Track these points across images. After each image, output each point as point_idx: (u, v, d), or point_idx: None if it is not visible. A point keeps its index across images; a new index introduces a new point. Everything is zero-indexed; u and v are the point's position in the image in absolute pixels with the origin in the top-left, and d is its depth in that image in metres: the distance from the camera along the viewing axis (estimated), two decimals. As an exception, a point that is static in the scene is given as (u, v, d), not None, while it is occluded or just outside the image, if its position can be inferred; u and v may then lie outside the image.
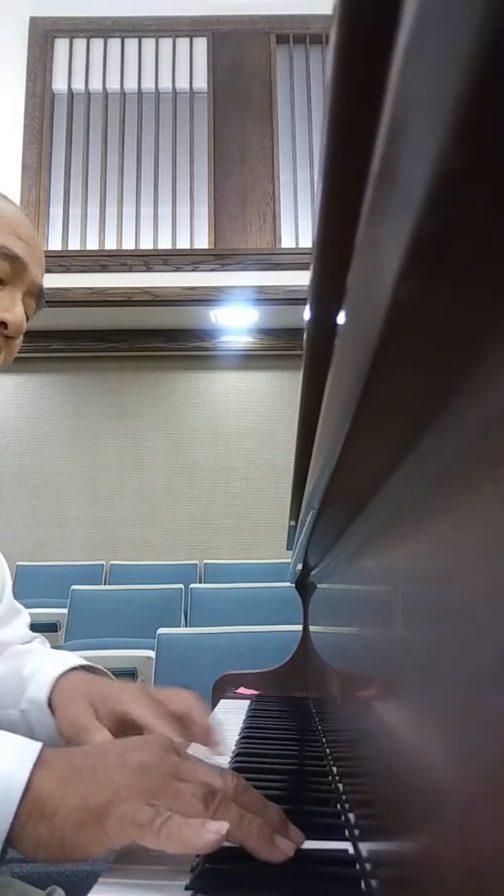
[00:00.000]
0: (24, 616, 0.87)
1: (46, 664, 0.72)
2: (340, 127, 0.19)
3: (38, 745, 0.46)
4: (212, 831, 0.40)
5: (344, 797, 0.59)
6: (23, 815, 0.42)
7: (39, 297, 0.76)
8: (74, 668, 0.72)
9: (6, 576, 0.86)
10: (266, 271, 4.00)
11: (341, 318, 0.25)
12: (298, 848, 0.44)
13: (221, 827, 0.40)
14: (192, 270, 4.01)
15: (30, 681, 0.71)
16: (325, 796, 0.62)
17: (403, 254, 0.16)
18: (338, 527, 0.62)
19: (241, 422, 4.59)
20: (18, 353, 0.77)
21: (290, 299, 3.92)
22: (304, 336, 0.34)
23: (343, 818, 0.55)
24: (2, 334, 0.71)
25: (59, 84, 4.43)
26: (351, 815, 0.53)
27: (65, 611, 3.00)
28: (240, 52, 4.43)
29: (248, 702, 1.16)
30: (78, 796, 0.42)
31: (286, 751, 0.81)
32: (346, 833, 0.51)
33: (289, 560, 1.26)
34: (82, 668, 0.73)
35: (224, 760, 0.74)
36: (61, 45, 4.47)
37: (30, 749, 0.45)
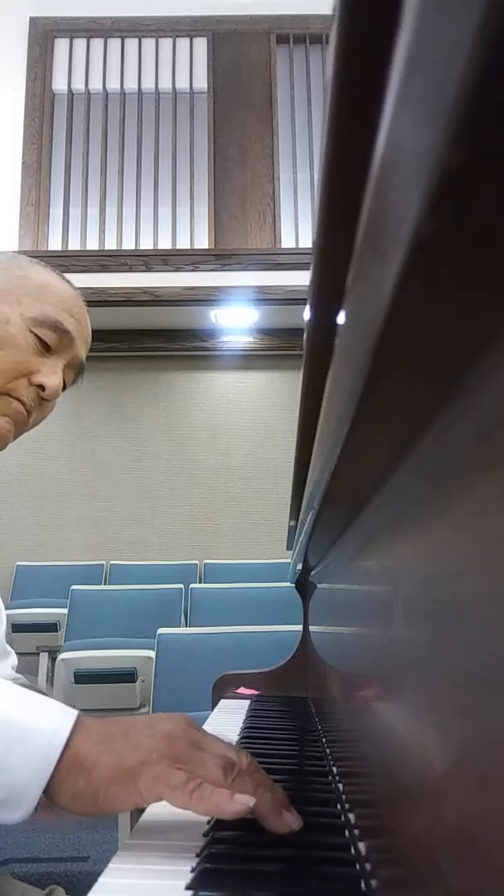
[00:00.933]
0: (12, 658, 0.92)
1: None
2: (340, 127, 0.19)
3: (75, 712, 0.51)
4: (241, 802, 0.45)
5: (344, 797, 0.59)
6: (63, 768, 0.47)
7: (79, 371, 0.83)
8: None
9: (2, 617, 0.90)
10: (266, 271, 4.00)
11: (341, 318, 0.25)
12: (299, 842, 0.44)
13: (249, 800, 0.45)
14: (192, 270, 4.01)
15: None
16: (325, 796, 0.62)
17: (403, 254, 0.16)
18: (338, 527, 0.62)
19: (241, 422, 4.58)
20: None
21: (290, 299, 3.92)
22: (304, 336, 0.34)
23: (343, 818, 0.54)
24: (38, 396, 0.77)
25: (59, 84, 4.43)
26: (351, 815, 0.53)
27: (65, 611, 3.00)
28: (240, 52, 4.43)
29: (248, 702, 1.16)
30: (114, 754, 0.47)
31: (286, 751, 0.81)
32: (346, 833, 0.51)
33: (289, 560, 1.26)
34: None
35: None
36: (61, 45, 4.47)
37: (69, 713, 0.50)
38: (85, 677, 2.34)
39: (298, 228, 4.21)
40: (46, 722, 0.48)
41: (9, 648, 0.92)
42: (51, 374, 0.77)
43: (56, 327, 0.77)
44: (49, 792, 0.47)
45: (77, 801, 0.47)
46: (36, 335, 0.76)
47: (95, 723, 0.50)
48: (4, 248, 3.86)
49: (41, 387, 0.76)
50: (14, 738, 0.47)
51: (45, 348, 0.77)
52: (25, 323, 0.75)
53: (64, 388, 0.81)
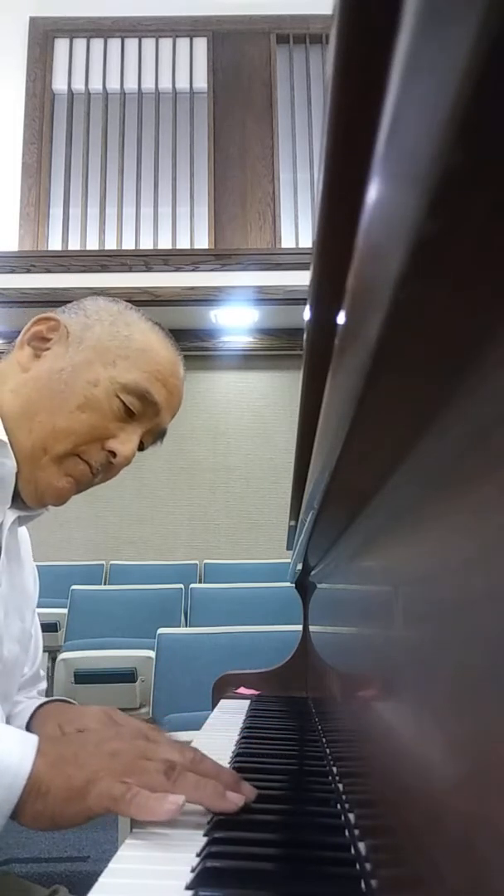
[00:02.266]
0: (42, 685, 0.94)
1: (33, 703, 0.83)
2: (340, 127, 0.19)
3: (34, 739, 0.56)
4: (172, 802, 0.50)
5: (344, 797, 0.59)
6: (24, 795, 0.52)
7: (159, 437, 0.81)
8: (53, 701, 0.84)
9: (39, 645, 0.92)
10: (266, 271, 3.99)
11: (341, 318, 0.25)
12: (299, 842, 0.44)
13: (178, 799, 0.51)
14: (192, 270, 4.01)
15: (16, 719, 0.81)
16: (325, 796, 0.62)
17: (403, 254, 0.16)
18: (338, 527, 0.62)
19: (241, 422, 4.58)
20: None
21: (290, 299, 3.92)
22: (304, 336, 0.34)
23: (343, 818, 0.54)
24: (108, 460, 0.75)
25: (59, 84, 4.43)
26: (351, 815, 0.53)
27: (65, 611, 3.00)
28: (240, 52, 4.43)
29: (248, 702, 1.16)
30: (65, 777, 0.53)
31: (286, 751, 0.81)
32: (346, 833, 0.51)
33: (289, 560, 1.26)
34: (61, 700, 0.85)
35: (224, 761, 0.74)
36: (61, 45, 4.47)
37: (29, 741, 0.55)
38: (85, 677, 2.35)
39: (298, 228, 4.21)
40: (10, 756, 0.53)
41: (41, 673, 0.93)
42: (127, 441, 0.75)
43: (144, 398, 0.75)
44: (15, 815, 0.53)
45: (36, 822, 0.53)
46: (122, 401, 0.74)
47: (50, 747, 0.55)
48: (4, 249, 3.81)
49: (113, 453, 0.74)
50: None
51: (129, 414, 0.75)
52: (114, 388, 0.73)
53: (141, 448, 0.79)
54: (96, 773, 0.52)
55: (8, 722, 0.80)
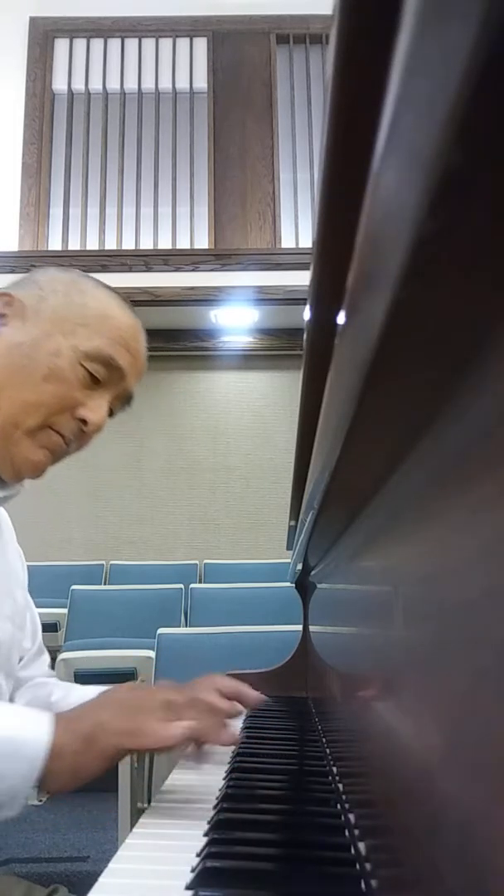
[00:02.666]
0: (46, 657, 0.94)
1: (75, 688, 0.85)
2: (340, 127, 0.19)
3: (49, 715, 0.60)
4: (180, 727, 0.57)
5: (344, 797, 0.59)
6: (45, 766, 0.56)
7: (126, 402, 0.81)
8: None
9: (37, 622, 0.92)
10: (266, 271, 3.99)
11: (341, 318, 0.25)
12: (299, 842, 0.44)
13: (187, 724, 0.57)
14: (192, 270, 4.00)
15: (61, 703, 0.80)
16: (325, 796, 0.62)
17: (403, 254, 0.16)
18: (338, 527, 0.62)
19: (241, 422, 4.58)
20: None
21: (290, 299, 3.92)
22: (304, 336, 0.34)
23: (343, 818, 0.54)
24: (80, 429, 0.75)
25: (59, 84, 4.43)
26: (351, 815, 0.53)
27: (65, 611, 3.00)
28: (240, 52, 4.43)
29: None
30: (74, 734, 0.57)
31: (286, 751, 0.81)
32: (346, 833, 0.51)
33: (289, 560, 1.26)
34: None
35: (225, 760, 0.74)
36: (61, 45, 4.47)
37: (44, 718, 0.59)
38: (85, 677, 2.34)
39: (298, 228, 4.21)
40: (28, 731, 0.57)
41: (43, 648, 0.93)
42: (96, 408, 0.75)
43: (109, 363, 0.75)
44: (40, 784, 0.57)
45: (59, 782, 0.57)
46: (86, 369, 0.74)
47: (63, 716, 0.60)
48: (4, 249, 3.81)
49: (84, 421, 0.75)
50: (3, 752, 0.56)
51: (95, 381, 0.75)
52: (77, 356, 0.73)
53: (111, 414, 0.79)
54: (102, 719, 0.58)
55: (11, 700, 0.81)
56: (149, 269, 3.99)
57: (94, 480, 4.50)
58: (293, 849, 0.48)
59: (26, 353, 0.73)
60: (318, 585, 1.06)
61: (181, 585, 3.09)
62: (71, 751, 0.56)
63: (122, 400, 0.80)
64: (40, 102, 4.37)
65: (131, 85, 4.44)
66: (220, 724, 0.61)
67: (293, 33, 4.44)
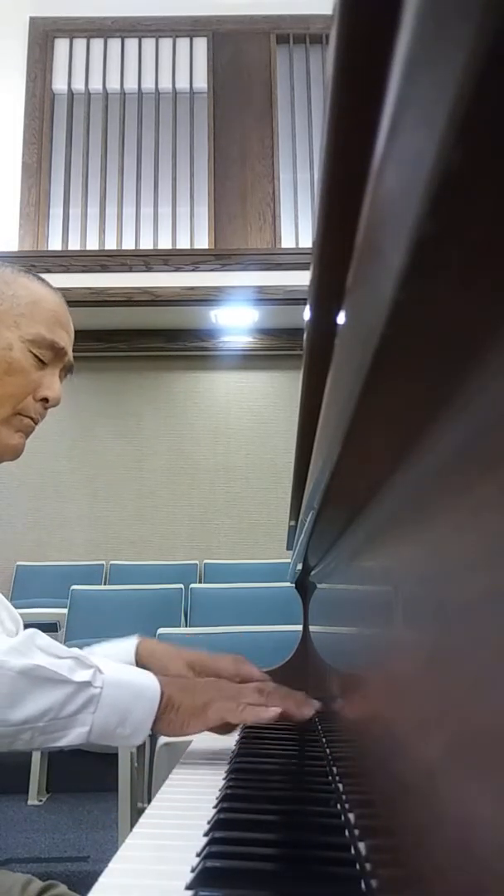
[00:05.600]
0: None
1: (103, 644, 0.91)
2: (340, 127, 0.19)
3: (148, 672, 0.74)
4: (273, 710, 0.72)
5: (344, 797, 0.59)
6: (161, 709, 0.70)
7: (69, 370, 0.89)
8: (146, 640, 0.94)
9: (16, 614, 1.01)
10: (266, 271, 3.99)
11: (341, 318, 0.25)
12: (299, 842, 0.44)
13: (275, 709, 0.72)
14: (193, 270, 4.01)
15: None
16: (325, 796, 0.62)
17: (403, 254, 0.16)
18: (338, 527, 0.62)
19: (241, 422, 4.58)
20: None
21: (290, 299, 3.92)
22: (304, 336, 0.34)
23: (343, 818, 0.54)
24: (43, 407, 0.84)
25: (59, 84, 4.43)
26: (351, 815, 0.53)
27: (65, 611, 2.99)
28: (240, 52, 4.43)
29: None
30: (191, 698, 0.72)
31: (286, 751, 0.81)
32: (346, 833, 0.51)
33: (289, 560, 1.26)
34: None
35: (224, 760, 0.75)
36: (61, 46, 4.47)
37: (147, 673, 0.74)
38: (85, 677, 2.34)
39: (298, 228, 4.21)
40: (146, 680, 0.72)
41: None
42: (53, 385, 0.84)
43: (52, 346, 0.82)
44: (152, 725, 0.70)
45: (169, 729, 0.71)
46: (34, 354, 0.81)
47: (173, 679, 0.76)
48: (4, 249, 3.83)
49: (45, 399, 0.83)
50: (134, 693, 0.70)
51: (43, 364, 0.83)
52: (25, 345, 0.80)
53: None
54: (212, 698, 0.73)
55: None
56: (149, 269, 3.99)
57: (94, 480, 4.50)
58: (293, 849, 0.48)
59: None
60: (318, 585, 1.06)
61: (181, 585, 3.09)
62: (188, 705, 0.71)
63: (67, 370, 0.88)
64: (40, 102, 4.37)
65: (131, 85, 4.44)
66: (301, 702, 0.76)
67: (293, 33, 4.44)
